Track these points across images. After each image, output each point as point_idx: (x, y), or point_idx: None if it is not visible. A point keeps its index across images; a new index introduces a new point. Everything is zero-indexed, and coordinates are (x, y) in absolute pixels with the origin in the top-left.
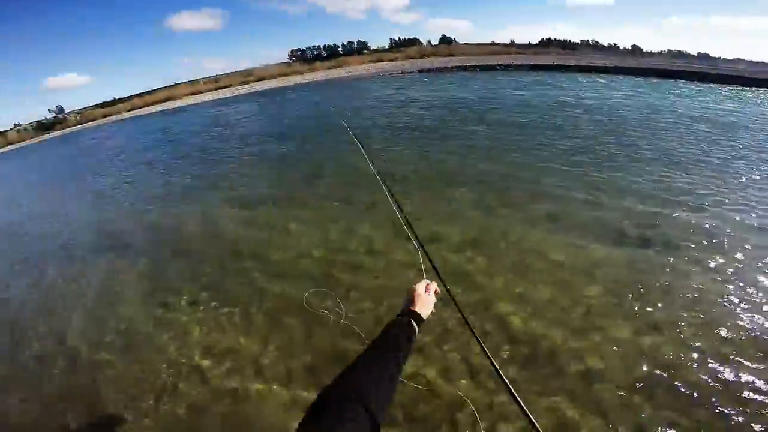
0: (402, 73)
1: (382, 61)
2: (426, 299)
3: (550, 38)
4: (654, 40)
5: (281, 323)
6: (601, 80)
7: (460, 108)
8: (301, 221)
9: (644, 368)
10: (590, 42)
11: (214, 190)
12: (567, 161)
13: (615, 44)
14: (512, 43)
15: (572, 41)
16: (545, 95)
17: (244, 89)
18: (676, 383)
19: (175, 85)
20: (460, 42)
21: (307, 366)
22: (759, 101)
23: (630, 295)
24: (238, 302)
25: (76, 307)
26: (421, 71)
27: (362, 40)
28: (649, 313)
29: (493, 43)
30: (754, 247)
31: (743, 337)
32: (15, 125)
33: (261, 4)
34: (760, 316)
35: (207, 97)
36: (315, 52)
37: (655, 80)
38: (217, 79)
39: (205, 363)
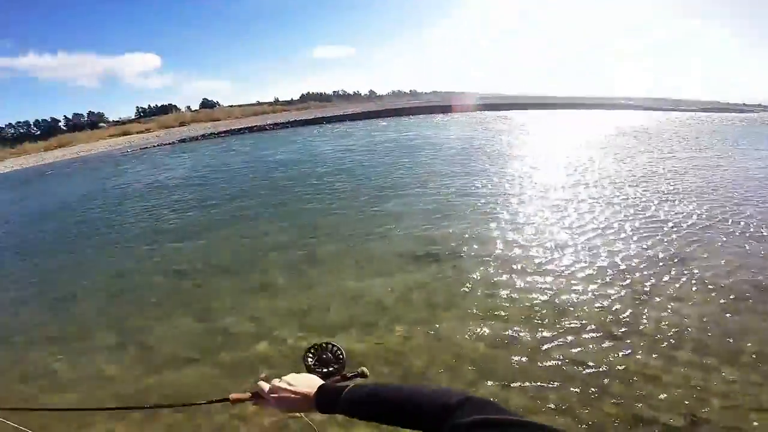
0: (158, 146)
1: (128, 134)
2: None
3: (308, 92)
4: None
5: None
6: (350, 127)
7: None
8: None
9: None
10: (340, 92)
11: None
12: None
13: (358, 92)
14: (276, 101)
15: (326, 93)
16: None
17: None
18: None
19: None
20: (224, 104)
21: None
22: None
23: None
24: None
25: None
26: (183, 141)
27: (97, 111)
28: None
29: (259, 103)
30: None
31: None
32: None
33: None
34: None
35: None
36: (21, 130)
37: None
38: None
39: None
